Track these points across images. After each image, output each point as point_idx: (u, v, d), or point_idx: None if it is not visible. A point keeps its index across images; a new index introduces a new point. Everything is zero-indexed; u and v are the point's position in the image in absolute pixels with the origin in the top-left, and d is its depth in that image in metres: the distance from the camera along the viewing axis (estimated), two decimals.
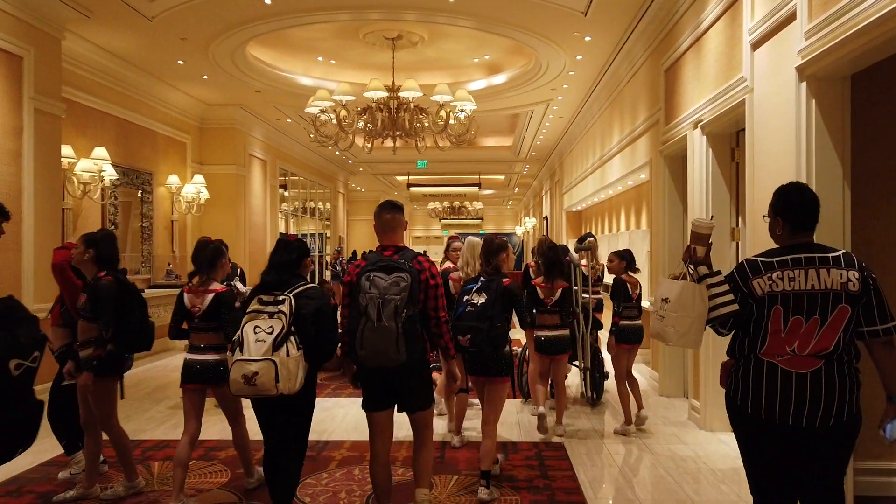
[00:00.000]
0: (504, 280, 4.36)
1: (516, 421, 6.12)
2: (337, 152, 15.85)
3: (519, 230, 31.95)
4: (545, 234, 19.71)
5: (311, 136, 8.79)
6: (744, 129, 5.12)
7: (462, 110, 8.67)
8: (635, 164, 8.41)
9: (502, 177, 24.02)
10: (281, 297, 3.46)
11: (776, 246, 2.73)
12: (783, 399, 2.53)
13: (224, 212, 11.89)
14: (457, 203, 27.39)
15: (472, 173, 21.29)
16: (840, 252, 2.62)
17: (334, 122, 8.43)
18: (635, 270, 5.99)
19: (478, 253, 4.85)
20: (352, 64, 10.27)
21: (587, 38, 8.22)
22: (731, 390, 2.70)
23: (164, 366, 9.10)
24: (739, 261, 3.28)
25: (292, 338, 3.39)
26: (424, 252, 4.02)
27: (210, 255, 4.17)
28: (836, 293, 2.53)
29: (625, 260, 5.89)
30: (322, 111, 8.52)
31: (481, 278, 4.40)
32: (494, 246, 4.51)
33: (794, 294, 2.54)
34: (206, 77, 9.87)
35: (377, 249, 3.68)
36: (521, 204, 32.39)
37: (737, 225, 5.73)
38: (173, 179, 10.53)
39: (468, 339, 4.18)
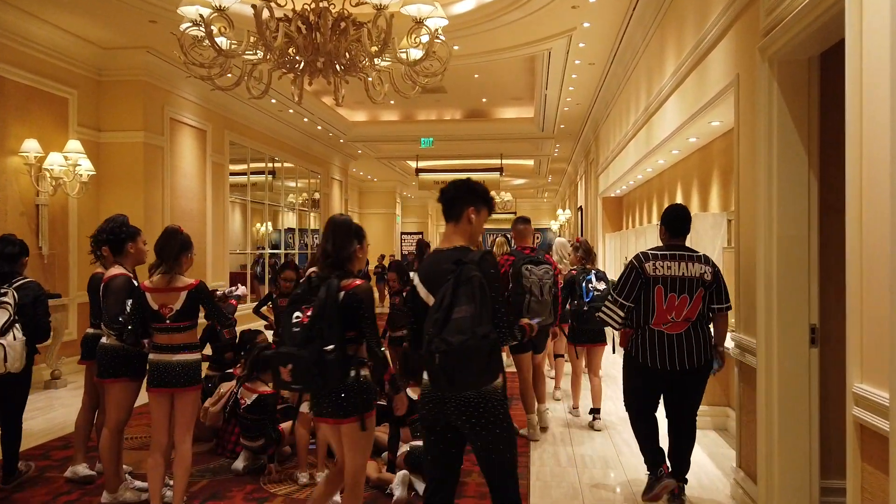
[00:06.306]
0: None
1: None
2: (274, 100, 12.61)
3: (554, 225, 28.40)
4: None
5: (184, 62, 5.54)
6: None
7: (419, 21, 5.32)
8: (706, 96, 4.88)
9: (531, 162, 20.44)
10: (3, 290, 4.10)
11: None
12: (665, 353, 3.85)
13: (129, 193, 8.79)
14: None
15: (492, 156, 17.76)
16: (701, 253, 3.96)
17: (209, 40, 5.19)
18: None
19: (566, 252, 6.86)
20: None
21: None
22: (631, 350, 3.99)
23: None
24: None
25: (17, 324, 4.07)
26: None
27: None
28: (696, 279, 3.85)
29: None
30: (194, 23, 5.30)
31: (593, 270, 5.86)
32: (589, 247, 6.10)
33: (670, 278, 3.85)
34: None
35: (517, 248, 5.54)
36: (558, 196, 28.83)
37: None
38: (31, 146, 7.43)
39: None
